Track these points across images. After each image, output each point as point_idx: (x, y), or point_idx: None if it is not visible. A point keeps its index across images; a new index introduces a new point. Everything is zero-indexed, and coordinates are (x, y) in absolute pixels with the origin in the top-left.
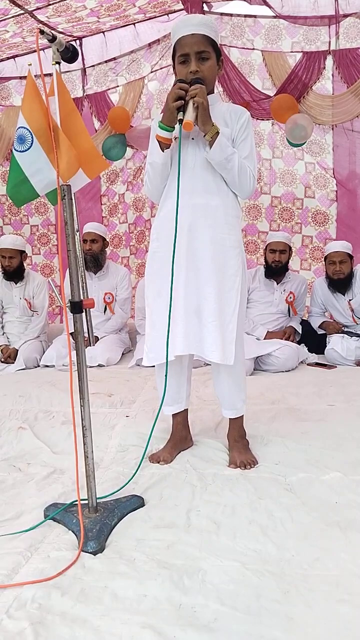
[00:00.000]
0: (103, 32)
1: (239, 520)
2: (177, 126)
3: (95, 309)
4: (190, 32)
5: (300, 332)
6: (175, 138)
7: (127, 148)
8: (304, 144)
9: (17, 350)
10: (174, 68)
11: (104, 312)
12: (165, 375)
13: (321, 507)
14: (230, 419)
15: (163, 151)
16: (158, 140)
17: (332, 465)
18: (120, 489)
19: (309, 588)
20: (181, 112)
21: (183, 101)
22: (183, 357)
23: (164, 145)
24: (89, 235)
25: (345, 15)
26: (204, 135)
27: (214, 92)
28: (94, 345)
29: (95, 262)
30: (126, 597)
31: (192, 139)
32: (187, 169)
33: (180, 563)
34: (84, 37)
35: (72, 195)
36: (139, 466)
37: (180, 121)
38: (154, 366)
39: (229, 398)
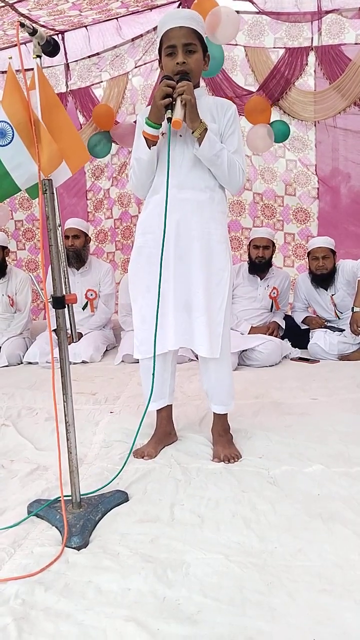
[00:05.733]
0: (85, 26)
1: (222, 514)
2: (164, 123)
3: (76, 306)
4: (178, 24)
5: (284, 327)
6: (163, 134)
7: (112, 144)
8: (286, 139)
9: (0, 347)
10: (159, 62)
11: (83, 309)
12: (153, 372)
13: (304, 499)
14: (214, 413)
15: (150, 148)
16: (144, 137)
17: (314, 458)
18: (105, 486)
19: (291, 579)
20: (169, 110)
21: (171, 99)
22: (167, 352)
23: (150, 142)
24: (71, 230)
25: (328, 12)
26: (192, 132)
27: (199, 86)
28: (76, 341)
29: (77, 257)
30: (110, 591)
31: (180, 136)
32: (175, 166)
33: (164, 556)
34: (66, 31)
35: (54, 189)
36: (125, 462)
37: (169, 119)
38: (138, 361)
39: (218, 393)
